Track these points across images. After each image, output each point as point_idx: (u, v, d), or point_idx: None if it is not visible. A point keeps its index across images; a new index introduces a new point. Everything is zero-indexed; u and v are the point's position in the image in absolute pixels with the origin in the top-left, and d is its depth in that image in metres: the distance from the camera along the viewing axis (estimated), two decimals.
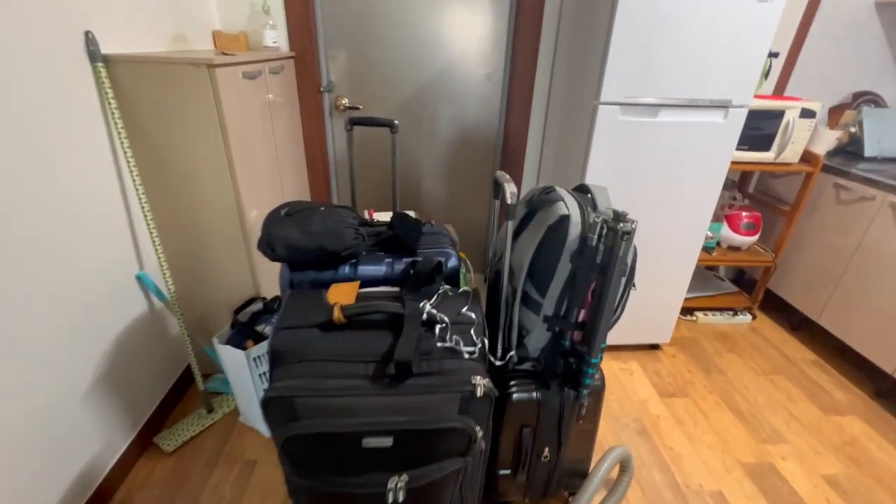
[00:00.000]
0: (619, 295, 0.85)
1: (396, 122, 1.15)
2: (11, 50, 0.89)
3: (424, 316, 0.84)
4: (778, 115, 1.72)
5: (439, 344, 0.82)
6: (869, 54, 1.93)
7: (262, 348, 1.29)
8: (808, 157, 1.81)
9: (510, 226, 0.86)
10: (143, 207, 1.20)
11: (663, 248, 1.63)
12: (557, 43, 1.83)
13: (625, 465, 1.25)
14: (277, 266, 1.67)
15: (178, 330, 1.48)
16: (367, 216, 1.99)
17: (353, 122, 1.16)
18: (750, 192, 2.17)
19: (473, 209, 2.26)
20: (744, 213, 1.95)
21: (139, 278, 1.28)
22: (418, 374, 0.77)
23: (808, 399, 1.66)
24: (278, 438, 0.73)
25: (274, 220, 1.04)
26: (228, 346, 1.26)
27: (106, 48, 1.13)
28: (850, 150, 1.95)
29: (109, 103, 1.12)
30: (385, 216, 1.99)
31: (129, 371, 1.26)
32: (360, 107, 2.02)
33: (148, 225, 1.22)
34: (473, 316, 0.86)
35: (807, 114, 1.71)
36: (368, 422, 0.72)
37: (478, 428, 0.77)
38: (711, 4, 1.26)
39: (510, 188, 0.84)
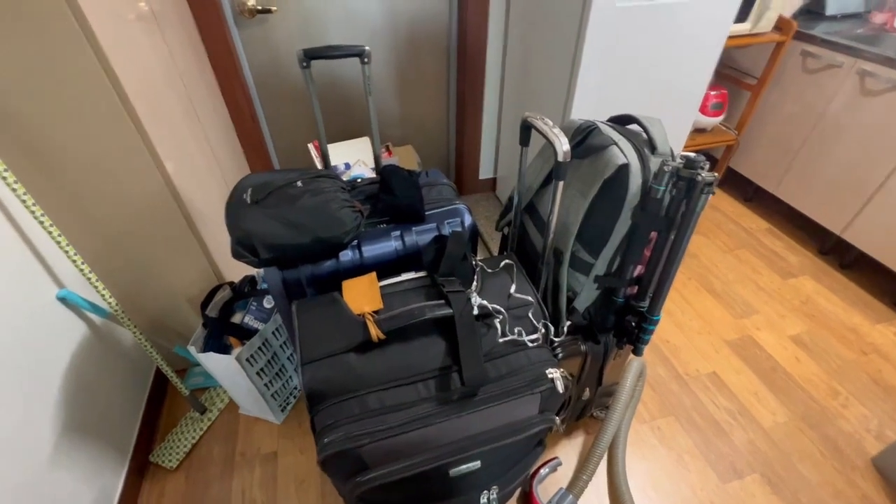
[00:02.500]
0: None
1: (367, 48, 0.86)
2: None
3: (475, 310, 0.71)
4: None
5: (501, 340, 0.71)
6: None
7: (253, 345, 1.10)
8: (780, 24, 1.72)
9: (559, 188, 0.71)
10: (32, 212, 0.86)
11: None
12: None
13: (641, 374, 1.32)
14: None
15: (133, 339, 1.23)
16: (313, 153, 1.68)
17: (310, 56, 0.85)
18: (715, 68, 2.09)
19: (429, 117, 1.99)
20: (712, 93, 1.89)
21: (62, 299, 0.99)
22: (488, 381, 0.67)
23: (769, 267, 1.83)
24: (350, 493, 0.63)
25: (240, 212, 0.79)
26: (212, 354, 1.07)
27: None
28: (813, 9, 1.87)
29: None
30: (339, 150, 1.69)
31: (94, 402, 1.04)
32: (274, 7, 1.56)
33: (50, 233, 0.90)
34: (528, 298, 0.75)
35: None
36: (451, 450, 0.63)
37: (558, 419, 0.72)
38: None
39: (561, 143, 0.66)
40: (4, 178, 0.82)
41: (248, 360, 1.10)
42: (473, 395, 0.66)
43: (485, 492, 0.70)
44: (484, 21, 1.66)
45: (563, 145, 0.66)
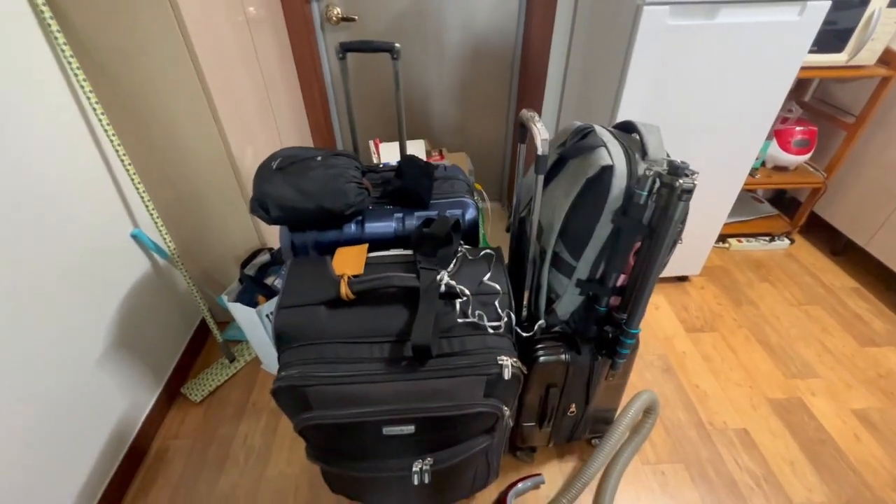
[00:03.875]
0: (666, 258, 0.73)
1: (398, 45, 0.95)
2: None
3: (442, 288, 0.74)
4: (860, 3, 1.41)
5: (460, 320, 0.73)
6: None
7: (272, 304, 1.23)
8: (887, 57, 1.52)
9: (539, 182, 0.72)
10: (122, 161, 1.07)
11: (706, 174, 1.46)
12: None
13: (651, 409, 1.23)
14: None
15: (185, 286, 1.44)
16: (372, 149, 1.83)
17: (346, 49, 0.96)
18: (806, 101, 1.90)
19: (488, 131, 2.05)
20: (797, 129, 1.72)
21: (135, 237, 1.20)
22: (438, 355, 0.70)
23: (844, 330, 1.59)
24: (295, 426, 0.69)
25: (265, 176, 0.91)
26: (239, 305, 1.21)
27: None
28: None
29: (56, 38, 0.93)
30: (393, 149, 1.82)
31: (143, 329, 1.23)
32: (356, 17, 1.74)
33: (132, 180, 1.10)
34: (497, 286, 0.76)
35: None
36: (387, 409, 0.67)
37: (505, 409, 0.72)
38: None
39: (541, 134, 0.68)
40: (106, 131, 1.03)
41: (267, 315, 1.22)
42: (420, 364, 0.69)
43: (418, 460, 0.72)
44: (548, 37, 1.69)
45: (540, 136, 0.67)
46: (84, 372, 1.03)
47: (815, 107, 1.85)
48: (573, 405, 1.01)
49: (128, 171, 1.09)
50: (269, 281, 1.35)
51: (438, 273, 0.76)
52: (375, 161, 1.78)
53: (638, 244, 0.73)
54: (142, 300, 1.23)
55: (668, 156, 0.70)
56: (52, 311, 0.94)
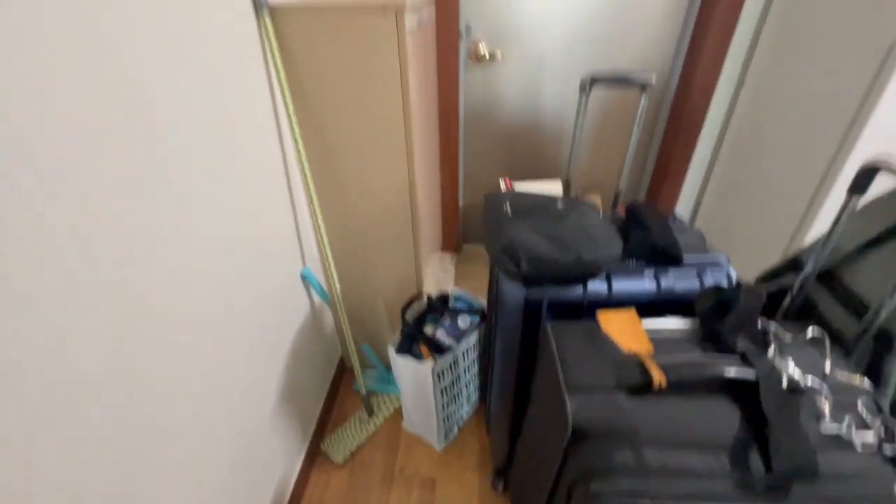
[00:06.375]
0: None
1: (653, 77, 0.83)
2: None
3: (784, 383, 0.57)
4: None
5: (824, 429, 0.55)
6: None
7: (445, 361, 1.09)
8: None
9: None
10: (308, 188, 0.99)
11: None
12: None
13: None
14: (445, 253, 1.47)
15: (331, 326, 1.33)
16: (503, 187, 1.72)
17: (594, 80, 0.85)
18: None
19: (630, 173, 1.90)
20: None
21: (304, 277, 1.11)
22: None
23: None
24: None
25: (502, 222, 0.79)
26: (409, 358, 1.08)
27: None
28: None
29: (276, 64, 0.88)
30: (530, 187, 1.70)
31: (296, 375, 1.12)
32: (500, 55, 1.68)
33: (313, 212, 1.02)
34: (856, 382, 0.58)
35: None
36: None
37: None
38: None
39: None
40: (301, 160, 0.96)
41: (438, 374, 1.08)
42: (786, 490, 0.51)
43: None
44: (714, 77, 1.56)
45: None
46: (255, 413, 0.91)
47: None
48: None
49: (312, 202, 1.01)
50: (427, 330, 1.21)
51: (772, 359, 0.59)
52: None
53: None
54: (298, 343, 1.12)
55: None
56: (244, 352, 0.84)
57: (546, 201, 0.81)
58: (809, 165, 1.21)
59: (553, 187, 1.76)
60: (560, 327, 0.69)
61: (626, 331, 0.68)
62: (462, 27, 1.63)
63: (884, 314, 0.63)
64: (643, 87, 0.86)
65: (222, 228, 0.75)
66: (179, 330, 0.65)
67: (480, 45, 1.67)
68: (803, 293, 0.77)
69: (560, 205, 0.81)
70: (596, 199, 1.86)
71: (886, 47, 1.00)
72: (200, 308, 0.70)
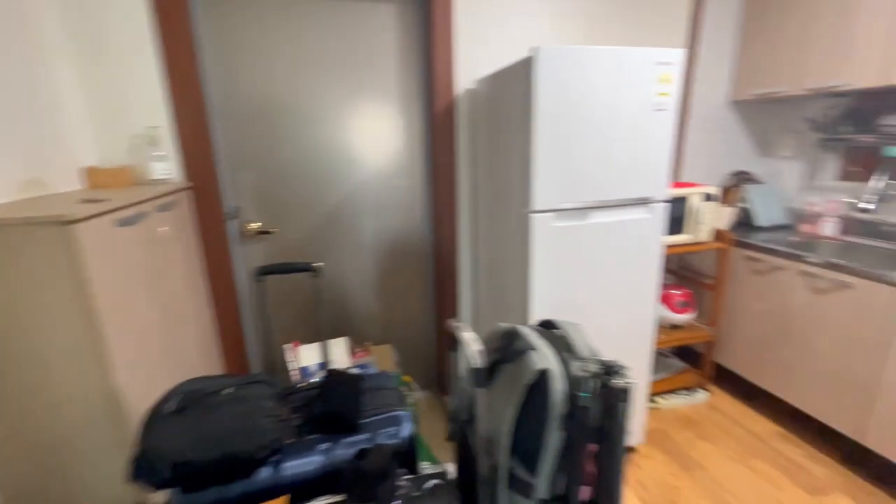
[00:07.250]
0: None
1: (320, 264, 0.97)
2: None
3: None
4: (681, 200, 1.84)
5: None
6: (735, 141, 2.22)
7: None
8: (718, 235, 1.94)
9: (482, 396, 0.69)
10: None
11: (621, 344, 1.56)
12: (476, 151, 1.85)
13: None
14: None
15: None
16: (290, 353, 1.71)
17: (263, 272, 0.96)
18: (674, 270, 2.27)
19: (412, 322, 2.07)
20: (675, 292, 2.00)
21: None
22: None
23: (791, 481, 1.57)
24: None
25: (155, 423, 0.76)
26: None
27: None
28: (745, 222, 2.14)
29: None
30: (312, 351, 1.72)
31: None
32: (276, 229, 1.82)
33: None
34: None
35: (709, 197, 1.85)
36: None
37: None
38: (616, 115, 1.33)
39: (473, 346, 0.68)
40: None
41: None
42: None
43: None
44: (451, 231, 1.90)
45: (474, 346, 0.67)
46: None
47: (681, 273, 2.22)
48: None
49: None
50: None
51: None
52: (292, 367, 1.66)
53: (593, 447, 0.69)
54: None
55: (595, 353, 0.73)
56: None
57: (215, 388, 0.82)
58: (520, 293, 1.48)
59: (338, 346, 1.81)
60: None
61: None
62: (229, 211, 1.75)
63: (481, 447, 0.73)
64: (313, 272, 0.99)
65: None
66: None
67: (252, 223, 1.80)
68: (459, 438, 0.87)
69: (230, 390, 0.82)
70: (387, 350, 1.95)
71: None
72: None
